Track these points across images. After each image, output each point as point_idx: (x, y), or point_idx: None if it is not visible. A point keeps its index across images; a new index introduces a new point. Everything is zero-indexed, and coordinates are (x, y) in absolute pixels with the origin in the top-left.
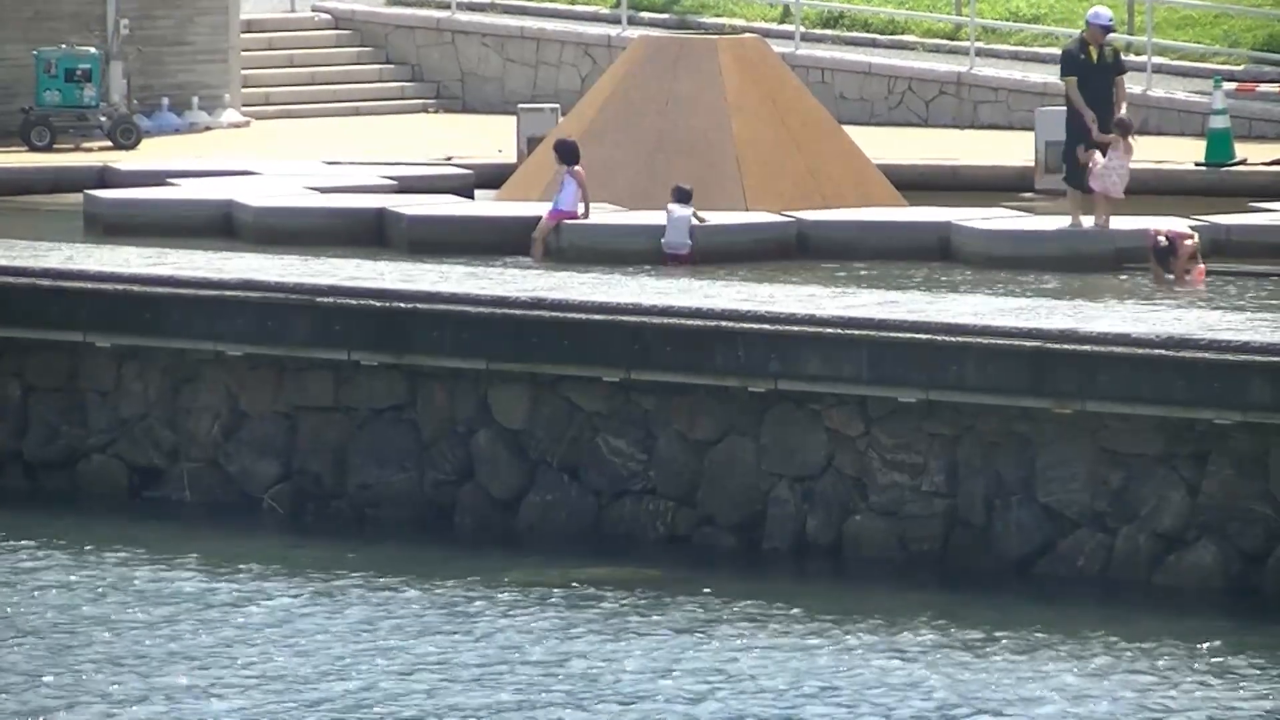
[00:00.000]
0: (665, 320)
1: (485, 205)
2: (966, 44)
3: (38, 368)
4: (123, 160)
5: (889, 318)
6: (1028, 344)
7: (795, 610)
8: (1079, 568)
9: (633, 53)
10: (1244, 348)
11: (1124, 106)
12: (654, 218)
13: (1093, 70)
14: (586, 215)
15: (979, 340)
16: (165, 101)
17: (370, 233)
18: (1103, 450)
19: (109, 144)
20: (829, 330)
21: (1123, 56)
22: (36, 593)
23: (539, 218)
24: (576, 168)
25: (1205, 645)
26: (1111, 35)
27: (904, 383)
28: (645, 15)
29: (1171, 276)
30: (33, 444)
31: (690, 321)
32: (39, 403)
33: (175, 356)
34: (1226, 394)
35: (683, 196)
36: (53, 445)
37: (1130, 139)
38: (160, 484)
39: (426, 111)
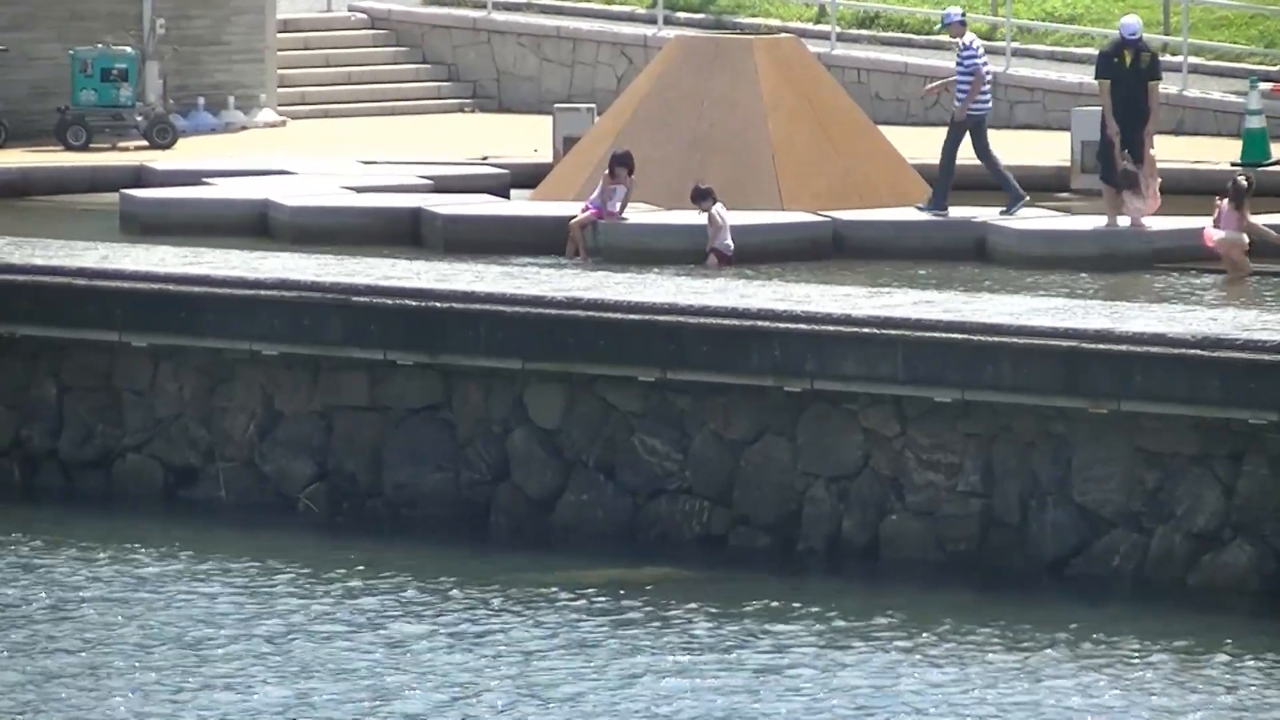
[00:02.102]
0: (701, 320)
1: (521, 205)
2: (1002, 44)
3: (73, 367)
4: (159, 160)
5: (925, 317)
6: (1063, 344)
7: (830, 611)
8: (1114, 568)
9: (669, 53)
10: (1279, 348)
11: (1152, 122)
12: (689, 217)
13: (1124, 75)
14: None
15: (1015, 340)
16: (201, 101)
17: (406, 232)
18: (1138, 450)
19: (145, 143)
20: (865, 330)
21: (1160, 60)
22: (72, 592)
23: (574, 218)
24: (632, 177)
25: (1240, 646)
26: (1146, 37)
27: (940, 383)
28: (681, 15)
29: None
30: (68, 443)
31: (726, 321)
32: (75, 402)
33: (211, 356)
34: (1262, 394)
35: (714, 196)
36: (88, 445)
37: (1130, 193)
38: (196, 484)
39: (462, 111)
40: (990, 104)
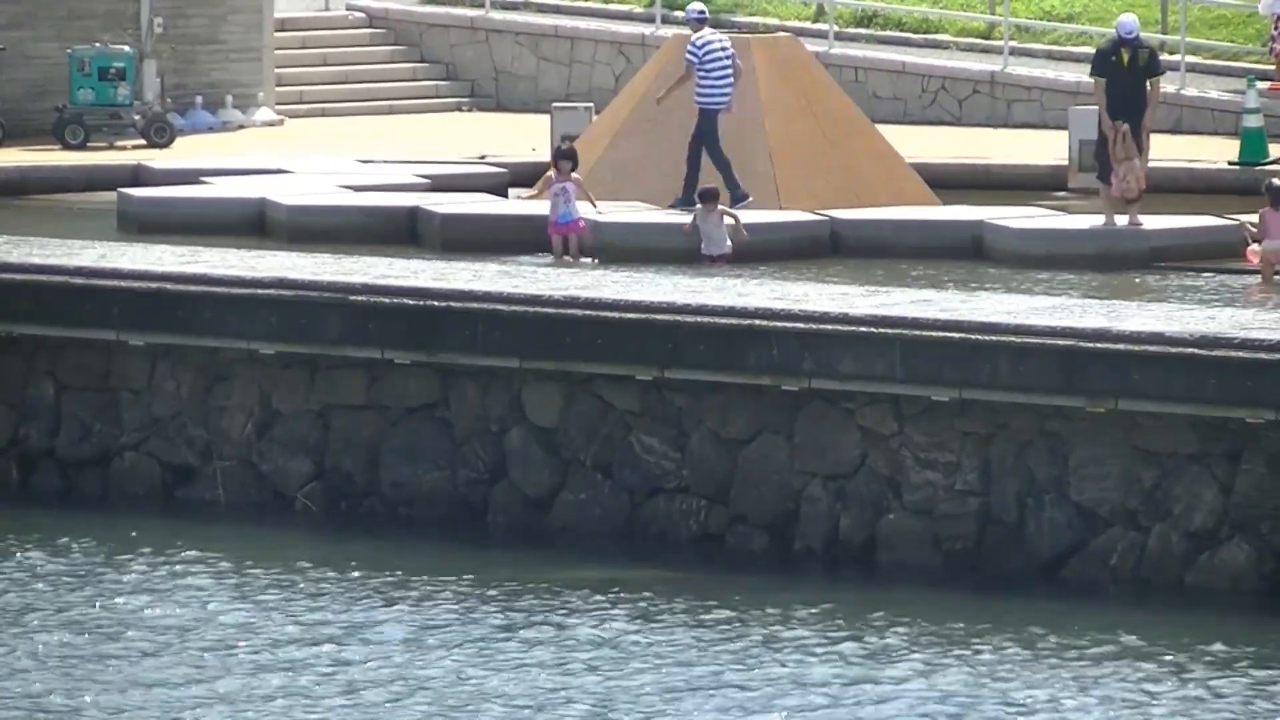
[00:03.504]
0: (699, 319)
1: (519, 204)
2: (1000, 43)
3: (71, 366)
4: (156, 159)
5: (922, 316)
6: (1061, 343)
7: (827, 610)
8: (1111, 567)
9: (666, 51)
10: (1277, 346)
11: (1149, 115)
12: (686, 216)
13: (1120, 73)
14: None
15: (1012, 339)
16: (199, 100)
17: (403, 231)
18: (1135, 449)
19: (143, 142)
20: (862, 329)
21: (1159, 56)
22: (69, 592)
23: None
24: (574, 173)
25: (1237, 645)
26: (1144, 36)
27: (937, 381)
28: (679, 14)
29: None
30: (66, 443)
31: (724, 320)
32: (72, 401)
33: (208, 355)
34: (1259, 392)
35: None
36: (86, 444)
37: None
38: (193, 483)
39: (460, 110)
40: (725, 99)
